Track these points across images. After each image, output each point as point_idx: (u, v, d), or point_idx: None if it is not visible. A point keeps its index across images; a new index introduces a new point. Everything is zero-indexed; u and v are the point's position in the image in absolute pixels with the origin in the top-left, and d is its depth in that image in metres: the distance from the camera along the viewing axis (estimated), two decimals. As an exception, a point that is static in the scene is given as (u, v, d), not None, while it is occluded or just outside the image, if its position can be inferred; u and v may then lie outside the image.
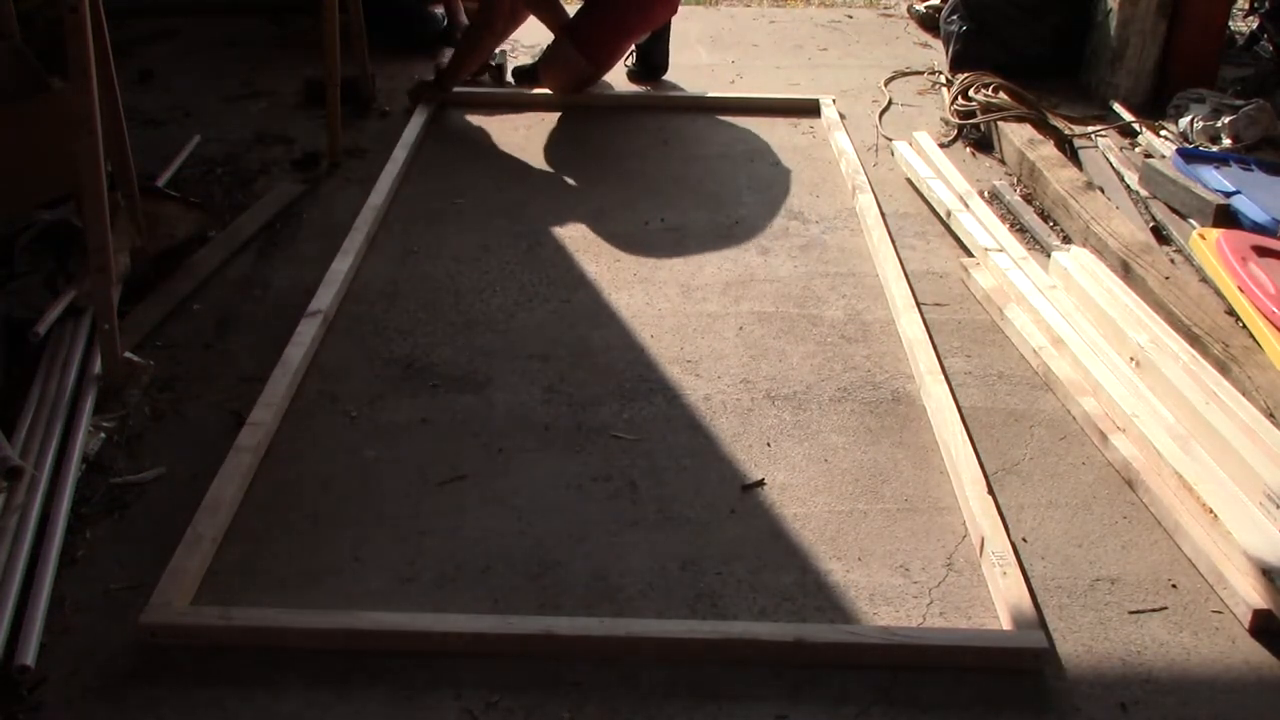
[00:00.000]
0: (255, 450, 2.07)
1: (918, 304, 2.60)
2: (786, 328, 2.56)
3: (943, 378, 2.32)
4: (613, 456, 2.13)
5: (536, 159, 3.46)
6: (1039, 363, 2.39)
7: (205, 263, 2.76)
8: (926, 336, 2.47)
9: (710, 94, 3.96)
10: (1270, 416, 2.07)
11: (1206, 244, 2.62)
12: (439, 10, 4.40)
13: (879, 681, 1.64)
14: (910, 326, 2.51)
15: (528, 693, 1.61)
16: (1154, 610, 1.79)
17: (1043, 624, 1.74)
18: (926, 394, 2.29)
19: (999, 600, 1.78)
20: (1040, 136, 3.38)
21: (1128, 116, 3.58)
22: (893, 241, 2.92)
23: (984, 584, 1.84)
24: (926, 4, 4.75)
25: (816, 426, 2.22)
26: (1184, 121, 3.39)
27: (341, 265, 2.71)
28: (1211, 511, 1.88)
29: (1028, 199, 3.18)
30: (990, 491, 2.00)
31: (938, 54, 4.34)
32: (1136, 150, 3.35)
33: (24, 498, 1.87)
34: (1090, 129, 3.47)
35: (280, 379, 2.26)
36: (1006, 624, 1.74)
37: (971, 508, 1.95)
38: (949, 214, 3.01)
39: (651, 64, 4.08)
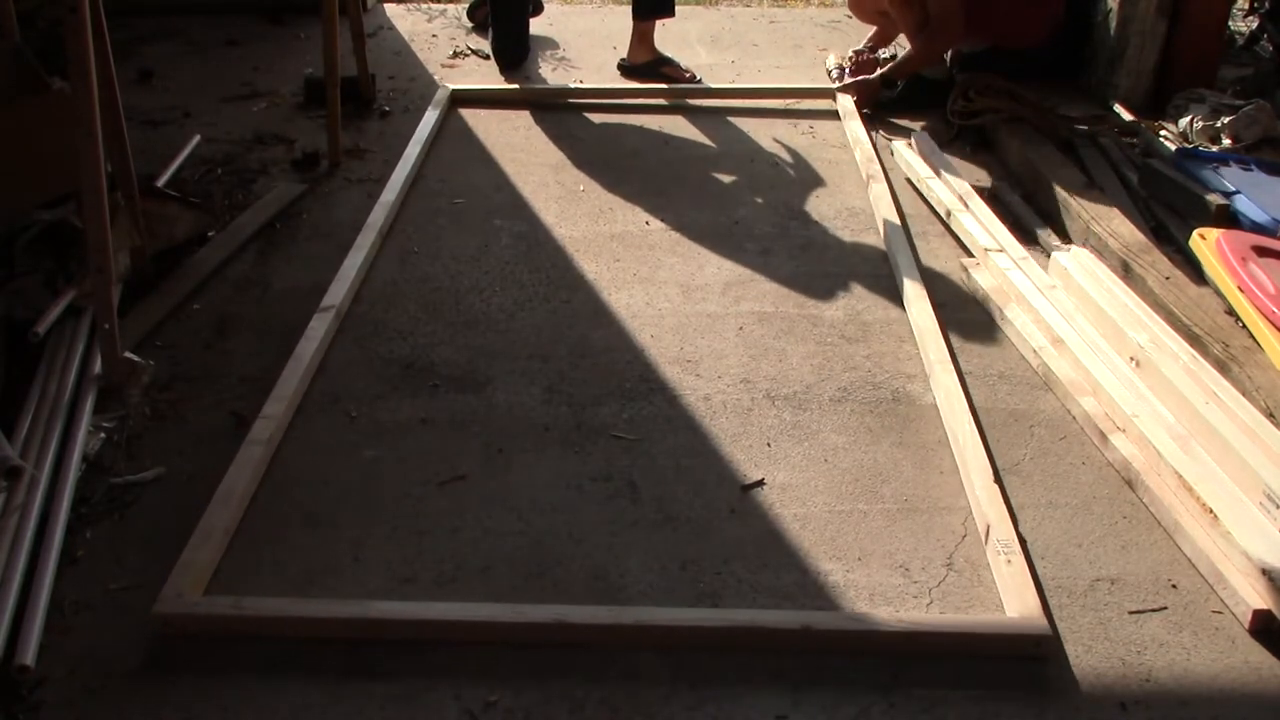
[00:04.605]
0: (268, 443, 2.07)
1: (930, 296, 2.61)
2: (786, 328, 2.56)
3: (953, 368, 2.33)
4: (613, 456, 2.12)
5: (536, 159, 3.46)
6: (1039, 363, 2.39)
7: (205, 263, 2.76)
8: (937, 327, 2.48)
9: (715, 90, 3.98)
10: (1270, 416, 2.07)
11: (1206, 244, 2.61)
12: None
13: (880, 681, 1.64)
14: (921, 317, 2.51)
15: (527, 692, 1.61)
16: (1154, 610, 1.79)
17: (1047, 613, 1.74)
18: (936, 384, 2.30)
19: (1004, 587, 1.79)
20: (1040, 136, 3.38)
21: (1128, 116, 3.58)
22: (906, 232, 2.92)
23: (984, 584, 1.84)
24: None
25: (816, 426, 2.22)
26: (1184, 121, 3.39)
27: (354, 261, 2.71)
28: (1211, 511, 1.88)
29: (1028, 199, 3.18)
30: (997, 480, 2.01)
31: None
32: (1136, 150, 3.35)
33: (24, 498, 1.87)
34: (1090, 129, 3.47)
35: (293, 374, 2.26)
36: (1011, 611, 1.74)
37: (978, 496, 1.96)
38: (949, 214, 3.01)
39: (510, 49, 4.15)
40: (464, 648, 1.68)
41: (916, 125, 3.66)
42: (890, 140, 3.56)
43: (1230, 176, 2.92)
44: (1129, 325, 2.33)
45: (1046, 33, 3.76)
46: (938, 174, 3.21)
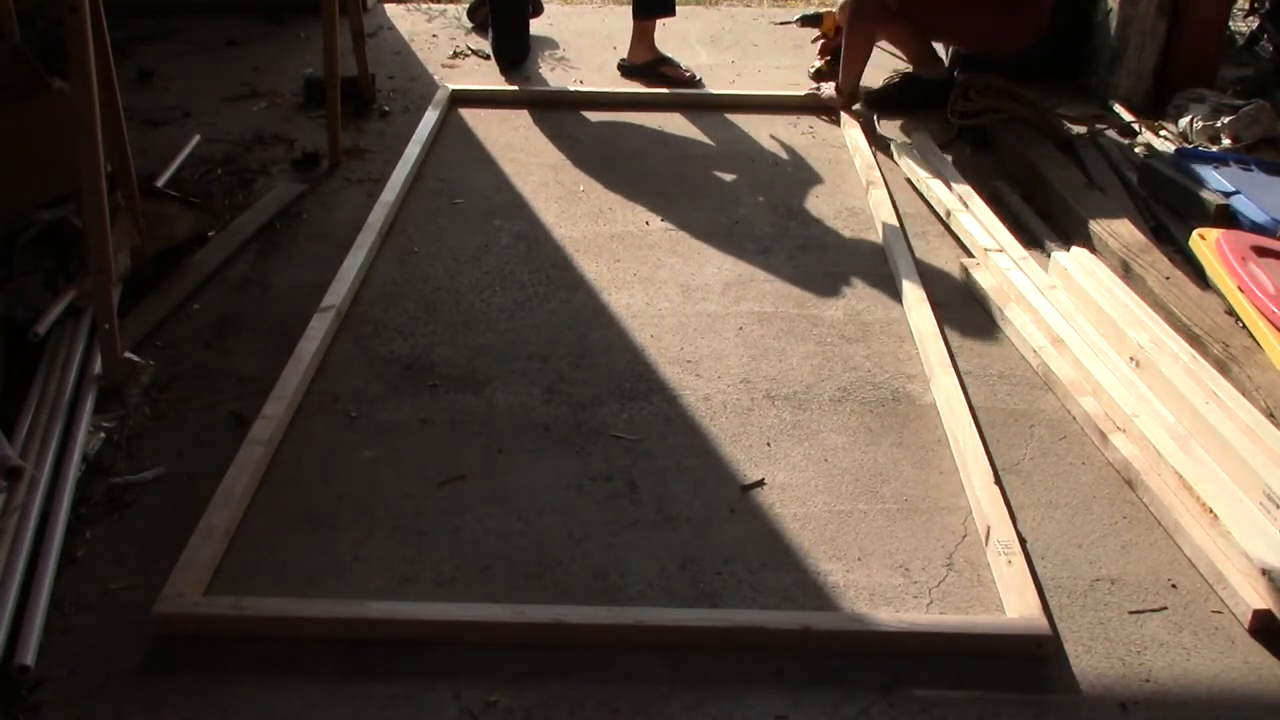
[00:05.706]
0: (268, 443, 2.07)
1: (930, 296, 2.61)
2: (786, 328, 2.56)
3: (953, 370, 2.33)
4: (613, 456, 2.12)
5: (536, 159, 3.46)
6: (1039, 363, 2.39)
7: (205, 263, 2.76)
8: (937, 329, 2.48)
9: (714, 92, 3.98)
10: (1270, 416, 2.07)
11: (1206, 244, 2.61)
12: None
13: (880, 681, 1.64)
14: (921, 320, 2.52)
15: (527, 692, 1.61)
16: (1154, 610, 1.79)
17: (1047, 614, 1.74)
18: (936, 386, 2.30)
19: (1004, 588, 1.79)
20: (1040, 136, 3.38)
21: (1128, 116, 3.58)
22: (905, 236, 2.92)
23: (984, 584, 1.84)
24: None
25: (816, 426, 2.22)
26: (1184, 121, 3.39)
27: (354, 261, 2.71)
28: (1211, 511, 1.88)
29: (1028, 199, 3.18)
30: (997, 481, 2.01)
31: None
32: (1136, 150, 3.35)
33: (24, 498, 1.87)
34: (1090, 129, 3.47)
35: (293, 374, 2.27)
36: (1011, 611, 1.74)
37: (978, 497, 1.96)
38: (949, 214, 3.01)
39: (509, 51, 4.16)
40: (464, 648, 1.68)
41: (916, 125, 3.65)
42: (890, 140, 3.56)
43: (1230, 176, 2.93)
44: (1129, 325, 2.33)
45: (1028, 40, 3.71)
46: (937, 174, 3.22)
